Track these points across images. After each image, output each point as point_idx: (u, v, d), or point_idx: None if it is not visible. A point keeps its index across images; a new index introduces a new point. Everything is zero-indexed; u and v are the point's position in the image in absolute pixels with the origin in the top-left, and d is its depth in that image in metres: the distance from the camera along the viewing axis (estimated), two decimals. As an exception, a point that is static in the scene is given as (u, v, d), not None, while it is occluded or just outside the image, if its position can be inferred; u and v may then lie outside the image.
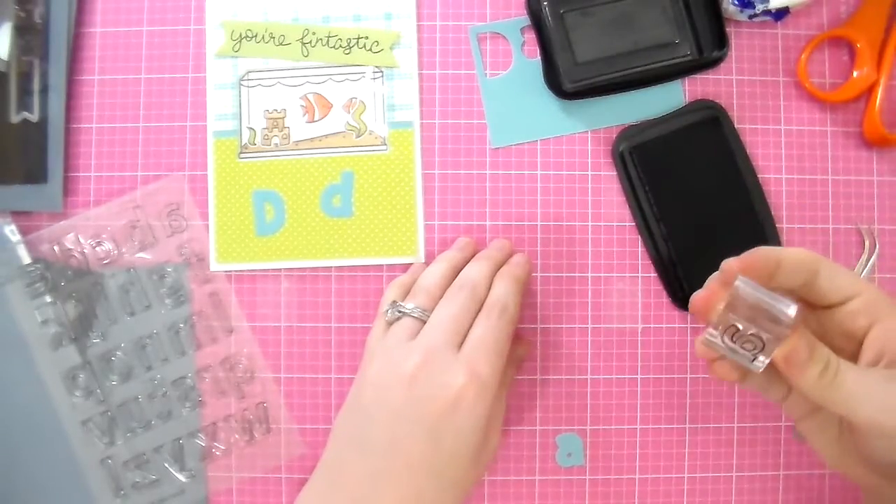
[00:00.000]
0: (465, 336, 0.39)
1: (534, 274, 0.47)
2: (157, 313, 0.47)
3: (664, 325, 0.47)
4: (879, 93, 0.47)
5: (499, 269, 0.43)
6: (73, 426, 0.47)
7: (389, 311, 0.41)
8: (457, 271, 0.43)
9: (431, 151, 0.48)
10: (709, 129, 0.47)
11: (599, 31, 0.46)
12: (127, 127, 0.48)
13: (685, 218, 0.46)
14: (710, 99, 0.47)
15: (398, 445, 0.38)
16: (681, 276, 0.46)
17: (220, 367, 0.47)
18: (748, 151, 0.47)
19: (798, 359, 0.32)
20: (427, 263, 0.46)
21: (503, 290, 0.41)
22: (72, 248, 0.47)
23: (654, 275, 0.47)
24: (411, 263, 0.47)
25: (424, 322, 0.40)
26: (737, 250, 0.44)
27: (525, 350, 0.46)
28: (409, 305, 0.41)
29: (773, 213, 0.47)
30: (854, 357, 0.34)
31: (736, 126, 0.47)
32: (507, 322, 0.40)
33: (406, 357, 0.39)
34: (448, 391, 0.37)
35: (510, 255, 0.44)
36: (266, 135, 0.48)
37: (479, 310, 0.40)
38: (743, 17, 0.47)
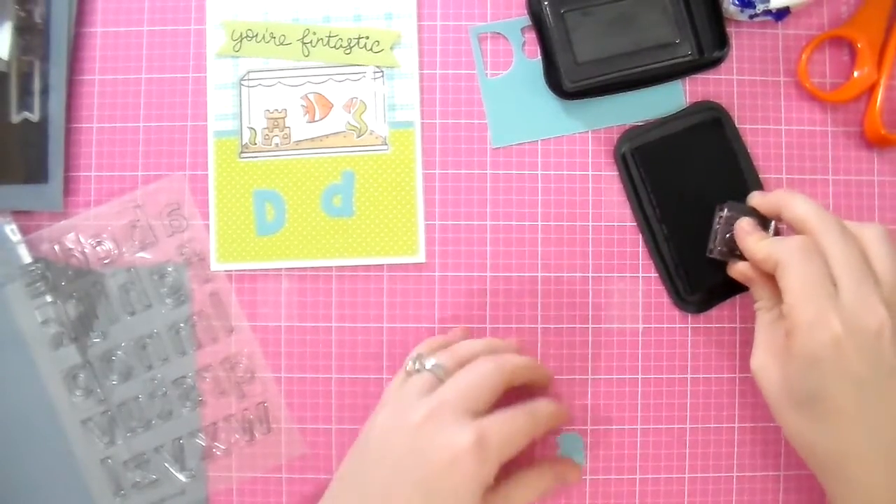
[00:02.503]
0: (482, 409, 0.39)
1: (534, 274, 0.47)
2: (158, 313, 0.47)
3: (664, 325, 0.47)
4: (880, 93, 0.47)
5: (532, 377, 0.43)
6: (74, 426, 0.47)
7: (411, 363, 0.42)
8: (493, 353, 0.42)
9: (432, 151, 0.48)
10: (711, 131, 0.47)
11: (600, 31, 0.46)
12: (127, 127, 0.48)
13: (686, 219, 0.46)
14: (712, 100, 0.47)
15: (393, 494, 0.37)
16: (682, 277, 0.46)
17: (221, 366, 0.47)
18: (749, 153, 0.47)
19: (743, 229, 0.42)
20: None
21: (545, 407, 0.41)
22: (72, 247, 0.47)
23: (654, 275, 0.47)
24: (412, 263, 0.47)
25: (442, 381, 0.40)
26: (738, 251, 0.45)
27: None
28: (431, 361, 0.41)
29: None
30: None
31: (737, 126, 0.47)
32: (534, 428, 0.39)
33: (417, 407, 0.38)
34: (449, 449, 0.37)
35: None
36: (267, 134, 0.48)
37: (502, 388, 0.40)
38: (743, 17, 0.47)
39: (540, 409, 0.40)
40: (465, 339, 0.45)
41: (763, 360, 0.40)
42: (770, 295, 0.41)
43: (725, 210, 0.43)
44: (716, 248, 0.44)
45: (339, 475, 0.41)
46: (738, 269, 0.43)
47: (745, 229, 0.42)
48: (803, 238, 0.38)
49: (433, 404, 0.38)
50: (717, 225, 0.44)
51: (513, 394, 0.41)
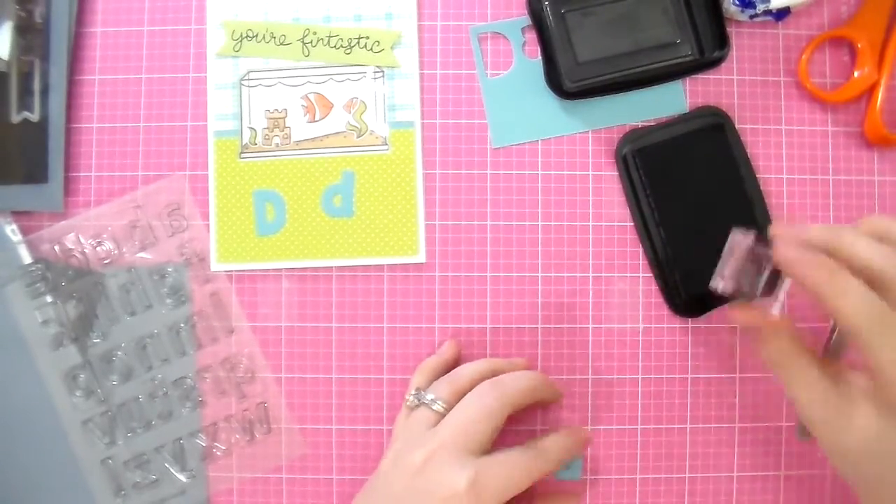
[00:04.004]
0: (484, 444, 0.38)
1: (534, 274, 0.47)
2: (158, 313, 0.47)
3: (665, 325, 0.47)
4: (880, 93, 0.47)
5: (539, 397, 0.42)
6: (74, 426, 0.47)
7: (410, 397, 0.42)
8: (495, 374, 0.42)
9: (432, 151, 0.48)
10: (712, 136, 0.47)
11: (600, 31, 0.46)
12: (127, 127, 0.48)
13: (685, 224, 0.46)
14: (716, 106, 0.47)
15: None
16: (678, 282, 0.46)
17: (221, 366, 0.47)
18: (749, 153, 0.47)
19: None
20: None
21: (555, 444, 0.40)
22: (72, 247, 0.47)
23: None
24: (412, 263, 0.47)
25: (443, 414, 0.40)
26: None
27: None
28: (429, 396, 0.41)
29: (773, 220, 0.47)
30: None
31: (737, 126, 0.47)
32: (538, 472, 0.38)
33: (419, 447, 0.39)
34: (446, 491, 0.37)
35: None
36: (267, 135, 0.48)
37: (503, 418, 0.39)
38: (744, 17, 0.47)
39: (548, 447, 0.40)
40: (457, 355, 0.45)
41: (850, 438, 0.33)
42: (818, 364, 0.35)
43: (750, 240, 0.36)
44: (725, 282, 0.37)
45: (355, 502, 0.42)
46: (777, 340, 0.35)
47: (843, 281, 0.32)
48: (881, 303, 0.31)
49: (433, 445, 0.38)
50: (733, 254, 0.36)
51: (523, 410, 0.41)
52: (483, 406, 0.39)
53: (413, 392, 0.43)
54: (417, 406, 0.42)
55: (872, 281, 0.32)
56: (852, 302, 0.31)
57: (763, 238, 0.36)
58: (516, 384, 0.41)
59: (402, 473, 0.39)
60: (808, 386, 0.35)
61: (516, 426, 0.46)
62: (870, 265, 0.32)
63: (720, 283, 0.37)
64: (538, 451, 0.39)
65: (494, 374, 0.42)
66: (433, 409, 0.41)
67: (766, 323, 0.36)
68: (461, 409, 0.39)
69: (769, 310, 0.36)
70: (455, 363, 0.46)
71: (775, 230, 0.35)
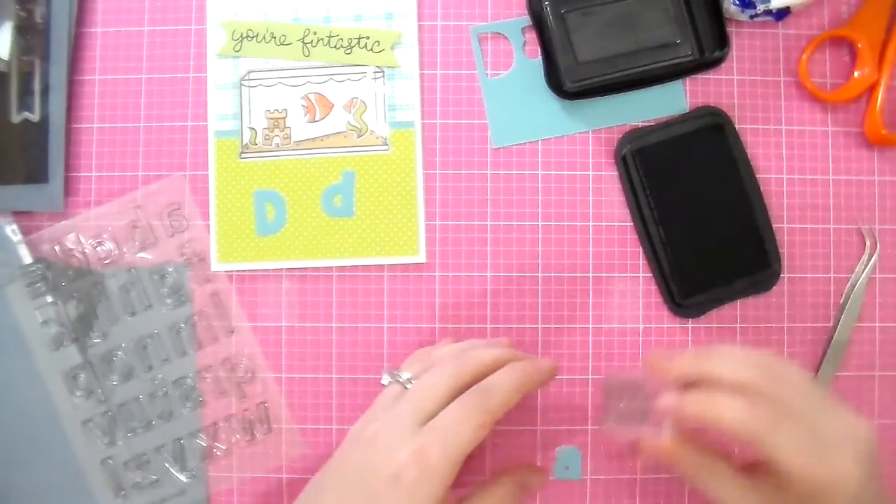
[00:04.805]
0: (435, 414, 0.36)
1: (534, 274, 0.47)
2: (158, 313, 0.47)
3: (665, 325, 0.47)
4: (880, 93, 0.47)
5: (528, 389, 0.38)
6: (74, 426, 0.47)
7: (386, 376, 0.40)
8: (474, 357, 0.39)
9: (432, 151, 0.48)
10: (712, 137, 0.47)
11: (601, 31, 0.46)
12: (128, 127, 0.48)
13: (685, 224, 0.46)
14: (715, 106, 0.47)
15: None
16: (677, 282, 0.46)
17: (221, 366, 0.47)
18: (749, 153, 0.47)
19: None
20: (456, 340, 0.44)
21: (498, 380, 0.37)
22: (73, 247, 0.47)
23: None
24: (412, 263, 0.47)
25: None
26: (735, 259, 0.45)
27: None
28: (405, 375, 0.39)
29: (772, 220, 0.47)
30: None
31: (737, 126, 0.47)
32: (484, 413, 0.35)
33: (372, 420, 0.38)
34: (390, 465, 0.35)
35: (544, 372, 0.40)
36: (267, 135, 0.48)
37: (458, 388, 0.37)
38: (744, 17, 0.47)
39: (493, 386, 0.36)
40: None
41: None
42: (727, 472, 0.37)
43: (624, 383, 0.40)
44: (617, 426, 0.39)
45: (312, 481, 0.40)
46: (674, 453, 0.37)
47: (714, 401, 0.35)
48: (760, 404, 0.34)
49: (387, 418, 0.37)
50: (611, 399, 0.40)
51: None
52: (440, 374, 0.37)
53: (388, 369, 0.41)
54: (391, 384, 0.40)
55: (746, 392, 0.35)
56: (739, 416, 0.34)
57: (633, 379, 0.39)
58: (479, 355, 0.38)
59: (356, 447, 0.37)
60: (728, 488, 0.36)
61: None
62: (739, 379, 0.35)
63: (612, 428, 0.40)
64: (481, 394, 0.36)
65: (473, 357, 0.38)
66: (402, 386, 0.39)
67: (665, 451, 0.37)
68: (420, 380, 0.38)
69: (662, 436, 0.37)
70: None
71: (647, 370, 0.38)
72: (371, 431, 0.37)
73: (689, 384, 0.37)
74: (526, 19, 0.48)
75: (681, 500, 0.47)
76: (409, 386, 0.38)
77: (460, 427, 0.35)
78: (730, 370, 0.36)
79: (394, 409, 0.37)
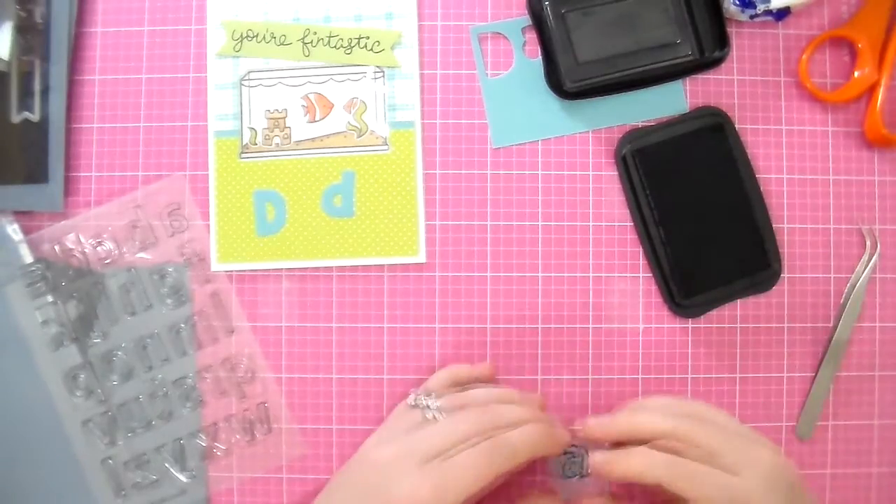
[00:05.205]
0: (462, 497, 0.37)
1: (534, 274, 0.47)
2: (158, 313, 0.47)
3: (665, 325, 0.47)
4: (880, 93, 0.47)
5: (540, 453, 0.40)
6: (74, 426, 0.47)
7: (413, 397, 0.42)
8: (507, 400, 0.42)
9: (432, 151, 0.48)
10: (712, 137, 0.47)
11: (601, 31, 0.46)
12: (128, 127, 0.48)
13: (684, 223, 0.46)
14: (716, 106, 0.47)
15: None
16: (677, 282, 0.46)
17: (221, 367, 0.47)
18: (749, 153, 0.47)
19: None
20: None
21: (515, 439, 0.38)
22: (73, 247, 0.47)
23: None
24: (412, 263, 0.47)
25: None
26: (735, 259, 0.45)
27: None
28: (433, 404, 0.40)
29: (772, 220, 0.47)
30: None
31: (737, 126, 0.47)
32: (491, 468, 0.37)
33: (389, 444, 0.39)
34: (403, 498, 0.36)
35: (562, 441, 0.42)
36: (267, 135, 0.48)
37: (493, 477, 0.38)
38: (744, 17, 0.47)
39: (509, 445, 0.38)
40: (490, 379, 0.45)
41: None
42: None
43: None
44: (560, 482, 0.43)
45: (327, 488, 0.42)
46: None
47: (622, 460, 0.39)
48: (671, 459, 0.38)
49: (405, 448, 0.38)
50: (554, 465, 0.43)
51: None
52: (473, 425, 0.38)
53: (422, 394, 0.42)
54: (415, 407, 0.41)
55: (669, 442, 0.38)
56: (659, 466, 0.37)
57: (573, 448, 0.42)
58: (515, 456, 0.38)
59: (366, 467, 0.40)
60: None
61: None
62: (659, 431, 0.39)
63: (558, 483, 0.43)
64: (496, 450, 0.38)
65: (503, 417, 0.40)
66: (428, 418, 0.40)
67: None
68: (448, 425, 0.39)
69: (603, 487, 0.43)
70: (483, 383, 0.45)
71: (585, 436, 0.42)
72: (383, 458, 0.38)
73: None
74: (526, 19, 0.48)
75: (681, 500, 0.47)
76: (437, 416, 0.40)
77: (466, 473, 0.37)
78: (649, 426, 0.39)
79: (410, 440, 0.39)
